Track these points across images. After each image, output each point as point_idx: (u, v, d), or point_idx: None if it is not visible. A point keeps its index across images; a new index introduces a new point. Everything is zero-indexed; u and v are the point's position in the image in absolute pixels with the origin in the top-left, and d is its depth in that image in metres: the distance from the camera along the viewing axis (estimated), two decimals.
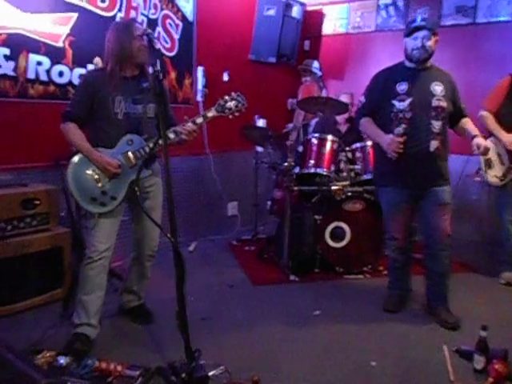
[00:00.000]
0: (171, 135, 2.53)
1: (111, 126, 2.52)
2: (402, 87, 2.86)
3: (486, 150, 2.82)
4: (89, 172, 2.51)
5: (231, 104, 2.57)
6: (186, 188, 4.55)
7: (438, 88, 2.84)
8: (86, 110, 2.51)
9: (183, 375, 2.05)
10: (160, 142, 2.16)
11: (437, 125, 2.82)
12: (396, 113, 2.87)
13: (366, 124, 3.04)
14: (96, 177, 2.51)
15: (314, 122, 4.56)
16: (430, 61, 2.91)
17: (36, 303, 2.99)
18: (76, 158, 2.54)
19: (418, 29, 2.80)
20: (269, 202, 4.34)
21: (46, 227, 3.06)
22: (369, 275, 3.77)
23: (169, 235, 2.11)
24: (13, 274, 2.87)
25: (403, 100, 2.84)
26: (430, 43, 2.79)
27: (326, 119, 4.24)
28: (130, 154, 2.53)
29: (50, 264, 3.06)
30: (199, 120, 2.55)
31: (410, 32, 2.83)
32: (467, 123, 2.96)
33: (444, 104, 2.83)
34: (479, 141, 2.81)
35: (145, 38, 2.17)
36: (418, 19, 2.82)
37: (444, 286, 3.00)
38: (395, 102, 2.86)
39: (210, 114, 2.57)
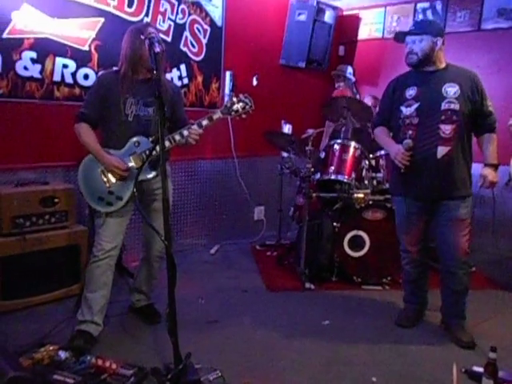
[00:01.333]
0: (177, 137, 2.56)
1: (121, 128, 2.58)
2: (410, 92, 2.76)
3: (491, 185, 2.72)
4: (97, 172, 2.58)
5: (238, 106, 2.57)
6: (212, 191, 4.59)
7: (450, 90, 2.68)
8: (98, 111, 2.58)
9: (169, 377, 2.04)
10: (158, 146, 2.16)
11: (446, 129, 2.66)
12: (403, 119, 2.77)
13: (379, 133, 2.97)
14: (104, 177, 2.57)
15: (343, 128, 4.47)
16: (447, 61, 2.79)
17: (52, 298, 3.09)
18: (87, 158, 2.62)
19: (406, 34, 2.75)
20: (291, 208, 4.29)
21: (64, 225, 3.16)
22: (388, 287, 3.65)
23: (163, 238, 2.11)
24: (30, 268, 2.99)
25: (410, 105, 2.74)
26: (419, 47, 2.68)
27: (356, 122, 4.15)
28: (136, 155, 2.58)
29: (67, 261, 3.16)
30: (205, 122, 2.56)
31: (402, 38, 2.78)
32: (489, 143, 2.76)
33: (456, 106, 2.66)
34: (486, 173, 2.71)
35: (146, 41, 2.20)
36: (410, 25, 2.76)
37: (461, 303, 2.86)
38: (403, 108, 2.77)
39: (216, 117, 2.57)
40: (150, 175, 2.59)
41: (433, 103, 2.70)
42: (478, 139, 2.84)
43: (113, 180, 2.57)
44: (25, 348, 2.42)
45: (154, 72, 2.10)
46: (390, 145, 2.84)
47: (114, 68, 3.49)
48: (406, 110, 2.75)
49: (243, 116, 2.56)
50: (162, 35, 3.53)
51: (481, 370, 2.34)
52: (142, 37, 2.30)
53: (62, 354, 2.34)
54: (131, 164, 2.57)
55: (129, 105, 2.56)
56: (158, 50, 2.14)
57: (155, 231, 2.19)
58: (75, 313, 2.86)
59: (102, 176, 2.57)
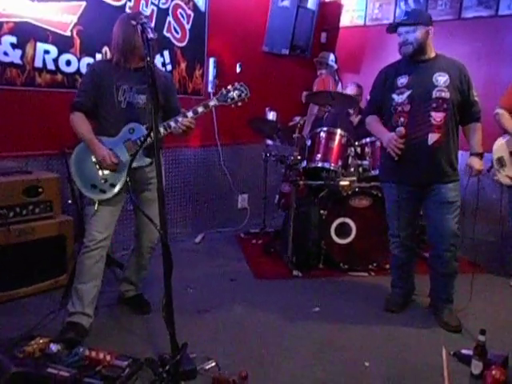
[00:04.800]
0: (172, 124, 2.53)
1: (114, 115, 2.54)
2: (402, 80, 2.80)
3: (478, 173, 2.83)
4: (91, 159, 2.54)
5: (234, 94, 2.55)
6: (195, 179, 4.55)
7: (441, 78, 2.74)
8: (92, 98, 2.54)
9: (167, 367, 2.03)
10: (152, 133, 2.12)
11: (438, 116, 2.72)
12: (395, 106, 2.81)
13: (371, 122, 3.00)
14: (97, 164, 2.53)
15: (326, 115, 4.48)
16: (436, 50, 2.83)
17: (39, 289, 3.04)
18: (80, 146, 2.58)
19: (399, 25, 2.77)
20: (276, 196, 4.29)
21: (49, 215, 3.09)
22: (374, 273, 3.70)
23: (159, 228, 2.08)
24: (16, 260, 2.92)
25: (402, 93, 2.78)
26: (413, 36, 2.72)
27: (338, 111, 4.16)
28: (131, 142, 2.54)
29: (53, 251, 3.10)
30: (200, 109, 2.54)
31: (394, 29, 2.81)
32: (475, 132, 2.85)
33: (446, 95, 2.72)
34: (473, 163, 2.82)
35: (138, 27, 2.14)
36: (402, 15, 2.78)
37: (449, 287, 2.92)
38: (394, 96, 2.81)
39: (212, 104, 2.56)
40: (145, 162, 2.56)
41: (424, 91, 2.74)
42: (463, 128, 2.91)
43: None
44: (14, 341, 2.36)
45: (148, 59, 2.04)
46: (382, 132, 2.87)
47: (97, 54, 3.47)
48: (397, 98, 2.79)
49: (239, 104, 2.56)
50: None
51: (469, 352, 2.40)
52: (134, 22, 2.24)
53: (54, 347, 2.29)
54: (125, 151, 2.53)
55: (122, 92, 2.53)
56: (151, 35, 2.09)
57: (150, 221, 2.16)
58: (63, 304, 2.83)
59: (95, 163, 2.53)
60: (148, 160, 2.58)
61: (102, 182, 2.53)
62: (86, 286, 2.56)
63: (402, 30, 2.75)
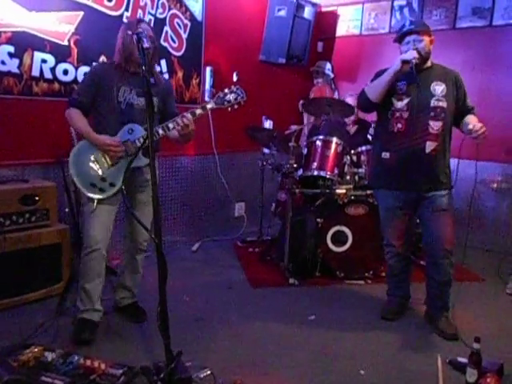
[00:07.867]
0: (171, 125, 2.56)
1: (113, 115, 2.58)
2: (401, 86, 2.82)
3: (482, 130, 2.60)
4: (89, 158, 2.57)
5: (230, 97, 2.58)
6: (192, 188, 4.56)
7: (438, 88, 2.78)
8: (90, 96, 2.58)
9: (161, 376, 2.03)
10: (149, 136, 2.13)
11: (435, 125, 2.76)
12: (393, 111, 2.83)
13: (371, 83, 2.92)
14: (96, 163, 2.57)
15: (323, 124, 4.50)
16: (432, 60, 2.87)
17: (34, 298, 3.02)
18: (78, 145, 2.62)
19: (408, 33, 2.78)
20: (273, 204, 4.31)
21: (46, 223, 3.09)
22: (370, 281, 3.70)
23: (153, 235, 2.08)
24: (12, 268, 2.91)
25: (401, 100, 2.81)
26: (421, 45, 2.75)
27: (334, 120, 4.19)
28: (129, 142, 2.57)
29: (49, 260, 3.09)
30: (198, 111, 2.57)
31: (400, 38, 2.82)
32: (470, 117, 2.82)
33: (444, 104, 2.76)
34: (471, 120, 2.72)
35: (134, 37, 2.18)
36: (407, 24, 2.81)
37: (445, 294, 2.92)
38: (394, 101, 2.83)
39: (209, 106, 2.59)
40: (143, 162, 2.58)
41: (423, 100, 2.77)
42: (459, 127, 2.87)
43: (105, 166, 2.57)
44: (8, 350, 2.35)
45: (144, 68, 2.07)
46: (390, 67, 2.78)
47: (94, 64, 3.49)
48: (397, 104, 2.82)
49: (235, 107, 2.59)
50: None
51: (465, 360, 2.40)
52: (130, 32, 2.29)
53: (48, 355, 2.29)
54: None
55: (122, 92, 2.58)
56: (146, 45, 2.12)
57: (143, 227, 2.17)
58: (57, 313, 2.83)
59: (95, 162, 2.57)
60: (146, 160, 2.58)
61: (101, 181, 2.57)
62: (93, 285, 2.64)
63: (410, 38, 2.76)
